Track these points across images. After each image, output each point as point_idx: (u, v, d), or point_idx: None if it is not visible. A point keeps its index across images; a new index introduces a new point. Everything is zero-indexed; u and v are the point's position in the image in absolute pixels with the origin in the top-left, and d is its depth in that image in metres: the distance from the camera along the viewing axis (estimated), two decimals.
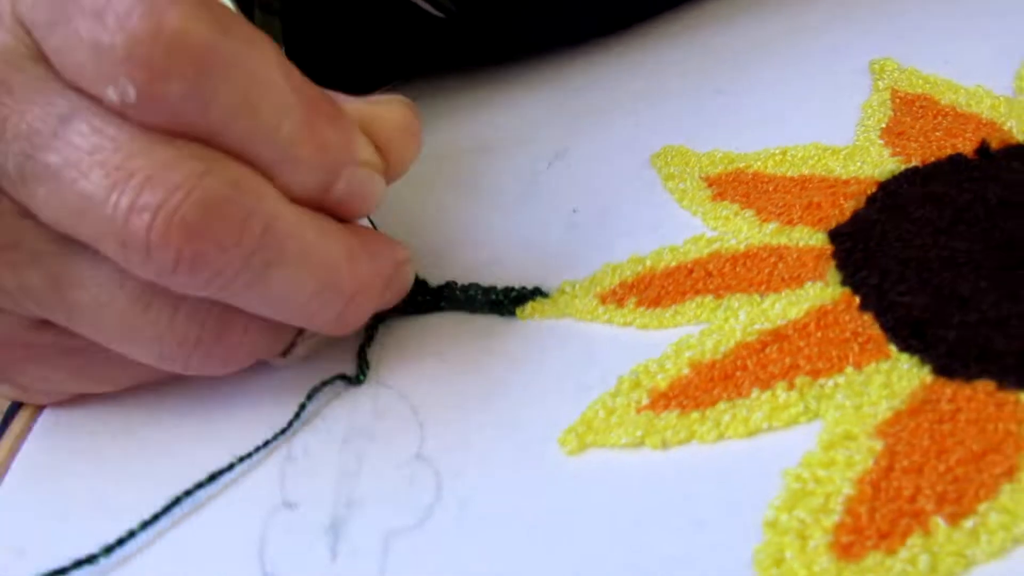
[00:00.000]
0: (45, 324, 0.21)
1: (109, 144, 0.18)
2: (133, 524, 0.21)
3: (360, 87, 0.38)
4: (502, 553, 0.19)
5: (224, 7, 0.19)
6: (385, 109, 0.23)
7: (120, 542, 0.20)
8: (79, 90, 0.19)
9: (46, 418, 0.25)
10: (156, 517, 0.21)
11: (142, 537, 0.21)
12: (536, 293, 0.25)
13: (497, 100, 0.35)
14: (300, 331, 0.23)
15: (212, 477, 0.22)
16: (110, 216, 0.18)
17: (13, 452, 0.24)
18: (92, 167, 0.18)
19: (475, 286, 0.26)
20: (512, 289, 0.25)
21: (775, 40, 0.32)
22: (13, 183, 0.19)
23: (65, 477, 0.23)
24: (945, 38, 0.29)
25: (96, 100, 0.18)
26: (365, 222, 0.24)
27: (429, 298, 0.27)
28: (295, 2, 0.32)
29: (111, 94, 0.18)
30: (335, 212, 0.21)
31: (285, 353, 0.24)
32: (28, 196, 0.19)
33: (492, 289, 0.26)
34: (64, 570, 0.20)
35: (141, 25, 0.17)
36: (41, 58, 0.19)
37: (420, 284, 0.27)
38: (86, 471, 0.23)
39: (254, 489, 0.21)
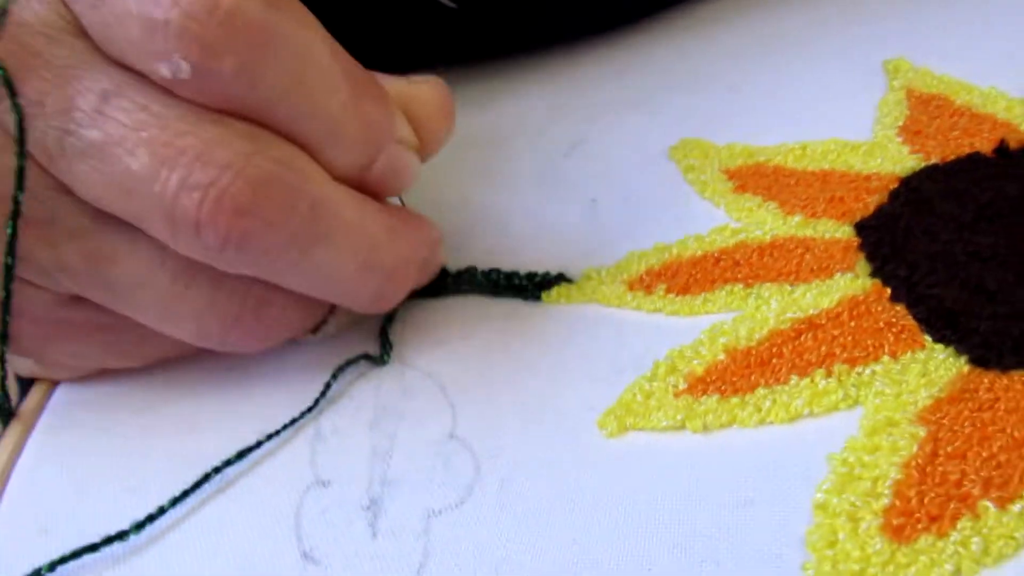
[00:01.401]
0: (79, 300, 0.21)
1: (155, 121, 0.18)
2: (155, 502, 0.20)
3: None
4: (546, 532, 0.18)
5: None
6: (421, 88, 0.23)
7: (151, 518, 0.20)
8: (121, 66, 0.18)
9: (60, 395, 0.24)
10: (186, 494, 0.20)
11: (171, 514, 0.20)
12: (560, 279, 0.25)
13: (510, 92, 0.35)
14: (332, 308, 0.23)
15: (241, 454, 0.21)
16: (158, 194, 0.18)
17: (28, 430, 0.23)
18: (138, 144, 0.18)
19: (496, 271, 0.26)
20: (535, 274, 0.25)
21: (787, 38, 0.33)
22: (52, 159, 0.18)
23: (83, 455, 0.22)
24: (957, 39, 0.30)
25: (140, 76, 0.18)
26: (396, 202, 0.24)
27: (450, 282, 0.26)
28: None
29: (163, 70, 0.18)
30: (373, 190, 0.21)
31: (316, 330, 0.23)
32: (67, 172, 0.18)
33: (515, 274, 0.26)
34: (95, 546, 0.19)
35: (196, 1, 0.17)
36: (81, 32, 0.18)
37: (440, 268, 0.27)
38: (105, 448, 0.22)
39: (284, 467, 0.21)
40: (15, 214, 0.19)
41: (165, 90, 0.18)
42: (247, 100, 0.18)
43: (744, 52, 0.33)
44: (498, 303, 0.25)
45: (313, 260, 0.20)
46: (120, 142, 0.18)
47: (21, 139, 0.18)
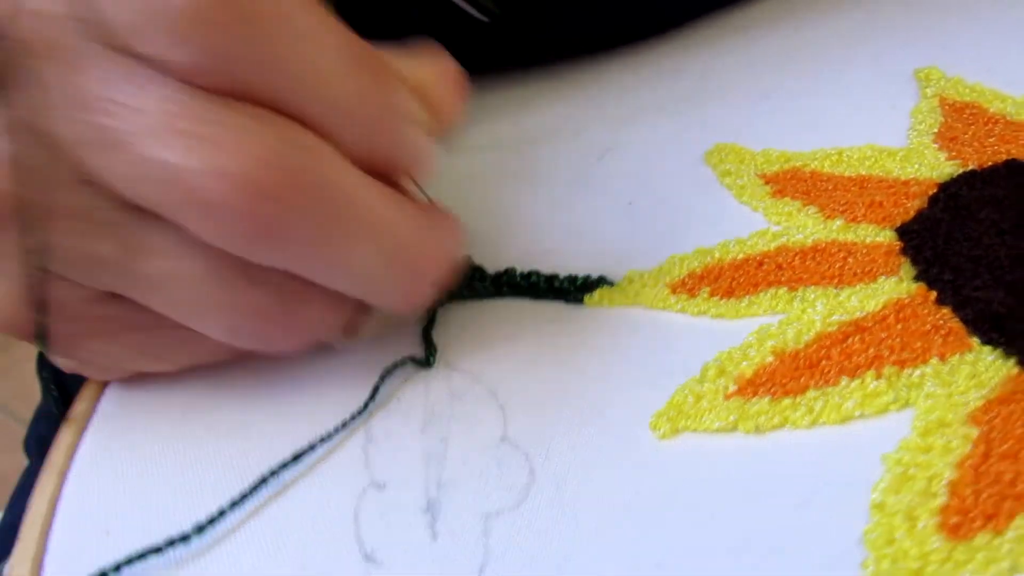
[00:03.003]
0: (111, 297, 0.21)
1: (176, 109, 0.18)
2: (211, 504, 0.21)
3: None
4: (605, 533, 0.19)
5: None
6: (427, 64, 0.23)
7: (211, 521, 0.20)
8: (136, 55, 0.18)
9: (110, 397, 0.24)
10: (244, 497, 0.20)
11: (231, 518, 0.20)
12: (602, 281, 0.25)
13: (540, 98, 0.35)
14: (365, 310, 0.23)
15: (296, 457, 0.21)
16: (185, 182, 0.18)
17: (80, 431, 0.23)
18: (160, 133, 0.18)
19: (536, 273, 0.26)
20: (576, 277, 0.26)
21: (817, 47, 0.33)
22: (72, 150, 0.18)
23: (137, 458, 0.22)
24: (987, 48, 0.30)
25: (157, 64, 0.18)
26: (422, 198, 0.24)
27: (489, 284, 0.27)
28: (339, 4, 0.32)
29: (173, 55, 0.17)
30: (384, 171, 0.21)
31: (349, 333, 0.23)
32: (88, 163, 0.18)
33: (555, 277, 0.26)
34: (159, 549, 0.19)
35: None
36: (92, 22, 0.18)
37: (477, 270, 0.27)
38: (158, 452, 0.22)
39: (339, 470, 0.21)
40: (23, 207, 0.19)
41: (184, 79, 0.18)
42: (257, 83, 0.18)
43: (775, 61, 0.33)
44: (539, 306, 0.26)
45: (342, 253, 0.19)
46: (142, 131, 0.18)
47: (20, 127, 0.18)
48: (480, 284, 0.27)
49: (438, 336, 0.25)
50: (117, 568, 0.19)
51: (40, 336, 0.21)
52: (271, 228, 0.18)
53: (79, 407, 0.24)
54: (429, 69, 0.22)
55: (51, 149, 0.18)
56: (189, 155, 0.18)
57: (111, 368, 0.24)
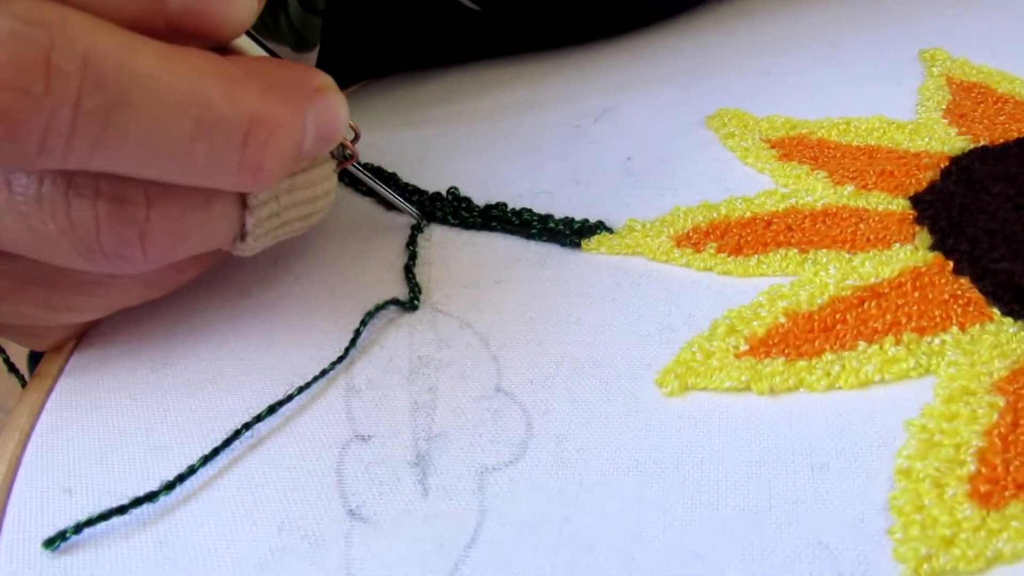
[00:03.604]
0: None
1: None
2: (181, 461, 0.19)
3: (395, 72, 0.36)
4: (610, 492, 0.17)
5: None
6: None
7: (180, 478, 0.18)
8: None
9: (79, 354, 0.22)
10: (216, 452, 0.19)
11: (202, 474, 0.18)
12: (600, 227, 0.24)
13: (534, 73, 0.34)
14: (243, 208, 0.20)
15: (271, 409, 0.19)
16: None
17: (47, 390, 0.21)
18: None
19: (528, 211, 0.25)
20: (572, 219, 0.24)
21: (820, 30, 0.32)
22: None
23: (105, 414, 0.20)
24: (989, 33, 0.30)
25: None
26: (259, 53, 0.20)
27: (476, 215, 0.25)
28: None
29: None
30: (190, 31, 0.17)
31: (242, 238, 0.20)
32: None
33: (549, 217, 0.24)
34: (123, 508, 0.17)
35: None
36: None
37: (464, 200, 0.26)
38: (126, 407, 0.20)
39: (319, 422, 0.20)
40: None
41: None
42: None
43: (776, 42, 0.33)
44: (531, 247, 0.24)
45: (125, 132, 0.16)
46: None
47: None
48: (466, 214, 0.25)
49: (421, 275, 0.24)
50: (77, 529, 0.17)
51: None
52: (5, 119, 0.15)
53: (45, 366, 0.22)
54: None
55: None
56: None
57: (38, 331, 0.22)
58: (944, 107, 0.27)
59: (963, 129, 0.25)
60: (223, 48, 0.19)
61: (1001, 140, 0.25)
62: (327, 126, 0.19)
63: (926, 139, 0.25)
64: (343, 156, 0.22)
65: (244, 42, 0.19)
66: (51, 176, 0.17)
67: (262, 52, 0.20)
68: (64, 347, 0.22)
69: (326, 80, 0.19)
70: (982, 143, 0.25)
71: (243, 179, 0.18)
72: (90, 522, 0.17)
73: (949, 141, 0.25)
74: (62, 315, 0.21)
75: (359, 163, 0.24)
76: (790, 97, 0.29)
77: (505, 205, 0.25)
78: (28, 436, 0.20)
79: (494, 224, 0.25)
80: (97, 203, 0.17)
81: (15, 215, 0.17)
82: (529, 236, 0.24)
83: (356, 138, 0.22)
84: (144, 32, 0.16)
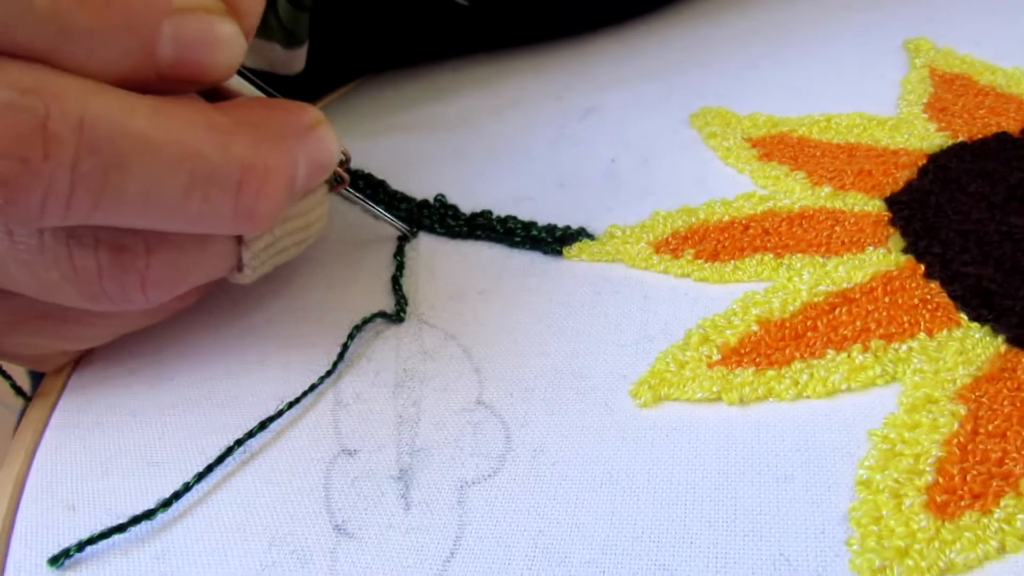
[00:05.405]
0: (2, 293, 0.19)
1: None
2: (178, 475, 0.20)
3: (384, 68, 0.36)
4: (583, 504, 0.18)
5: None
6: None
7: (176, 496, 0.19)
8: None
9: (80, 373, 0.23)
10: (210, 468, 0.19)
11: (197, 490, 0.19)
12: (581, 234, 0.24)
13: (520, 69, 0.34)
14: (239, 244, 0.20)
15: (263, 424, 0.20)
16: None
17: (50, 408, 0.22)
18: None
19: (513, 218, 0.25)
20: (555, 227, 0.25)
21: (804, 21, 0.32)
22: None
23: (105, 431, 0.21)
24: (975, 20, 0.30)
25: None
26: (255, 94, 0.20)
27: (462, 224, 0.26)
28: None
29: None
30: (178, 79, 0.17)
31: (239, 269, 0.21)
32: None
33: (532, 224, 0.25)
34: (122, 527, 0.18)
35: None
36: None
37: (450, 207, 0.26)
38: (126, 424, 0.21)
39: (308, 436, 0.20)
40: None
41: None
42: None
43: (763, 33, 0.33)
44: (515, 256, 0.25)
45: (122, 191, 0.16)
46: None
47: None
48: (453, 222, 0.26)
49: (408, 286, 0.24)
50: (80, 547, 0.18)
51: None
52: (7, 187, 0.15)
53: (49, 383, 0.23)
54: None
55: None
56: None
57: (45, 357, 0.23)
58: (925, 101, 0.27)
59: (942, 124, 0.26)
60: (214, 89, 0.19)
61: (980, 135, 0.25)
62: (319, 163, 0.19)
63: (905, 136, 0.25)
64: (335, 180, 0.23)
65: (235, 81, 0.20)
66: (52, 227, 0.17)
67: (253, 89, 0.20)
68: (65, 366, 0.23)
69: (316, 116, 0.19)
70: (960, 139, 0.25)
71: (238, 225, 0.18)
72: (92, 540, 0.18)
73: (928, 137, 0.25)
74: (69, 344, 0.22)
75: (350, 169, 0.24)
76: (775, 92, 0.29)
77: (490, 213, 0.25)
78: (33, 455, 0.21)
79: (479, 233, 0.25)
80: (98, 252, 0.18)
81: (19, 263, 0.18)
82: (513, 244, 0.25)
83: (346, 161, 0.23)
84: (136, 84, 0.17)
